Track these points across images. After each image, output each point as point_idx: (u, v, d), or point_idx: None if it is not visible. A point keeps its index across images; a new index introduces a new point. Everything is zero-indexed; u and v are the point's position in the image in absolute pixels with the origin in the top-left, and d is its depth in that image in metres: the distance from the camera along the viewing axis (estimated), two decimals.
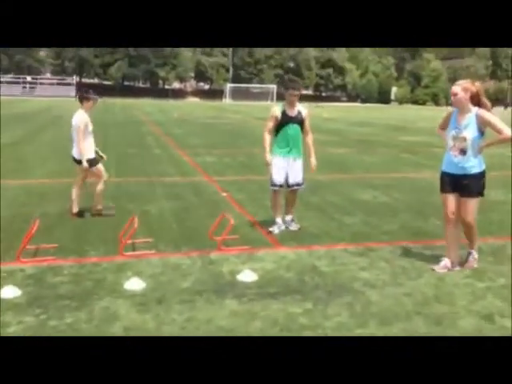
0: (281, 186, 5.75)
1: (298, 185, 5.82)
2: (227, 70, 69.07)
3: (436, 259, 4.79)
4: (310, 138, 5.93)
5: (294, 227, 5.84)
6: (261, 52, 69.86)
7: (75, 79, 60.83)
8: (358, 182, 9.01)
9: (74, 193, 6.21)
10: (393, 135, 19.79)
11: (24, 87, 58.45)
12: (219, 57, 69.05)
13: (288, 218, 5.90)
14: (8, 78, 58.69)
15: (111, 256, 4.76)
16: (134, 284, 4.06)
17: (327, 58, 74.45)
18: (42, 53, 64.61)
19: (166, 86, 71.27)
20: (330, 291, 4.12)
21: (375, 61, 78.01)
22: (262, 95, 63.62)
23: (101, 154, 6.53)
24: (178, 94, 68.73)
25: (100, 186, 6.23)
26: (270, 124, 5.72)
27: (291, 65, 72.55)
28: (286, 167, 5.71)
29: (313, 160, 5.89)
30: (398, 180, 9.45)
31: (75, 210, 6.13)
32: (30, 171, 9.16)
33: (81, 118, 6.14)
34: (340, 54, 75.49)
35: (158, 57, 63.99)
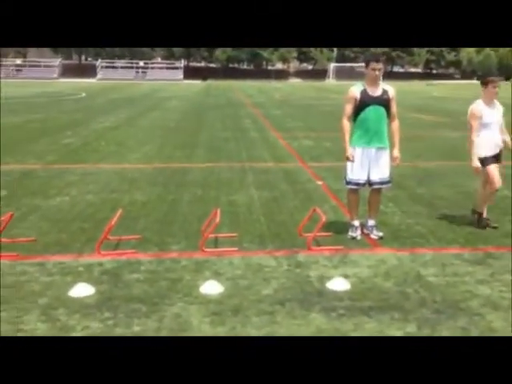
0: (358, 184, 4.79)
1: (382, 183, 4.80)
2: (331, 50, 67.17)
3: None
4: (395, 125, 4.86)
5: (375, 235, 4.81)
6: None
7: (183, 63, 62.98)
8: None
9: (480, 193, 5.29)
10: None
11: (137, 71, 61.78)
12: None
13: (370, 222, 4.89)
14: (123, 62, 62.35)
15: (192, 252, 4.43)
16: (211, 288, 3.67)
17: None
18: None
19: (269, 67, 71.20)
20: (439, 310, 3.40)
21: None
22: None
23: None
24: (281, 75, 68.38)
25: (484, 191, 5.20)
26: (349, 108, 4.72)
27: None
28: (366, 161, 4.71)
29: (396, 153, 4.81)
30: None
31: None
32: (125, 155, 9.24)
33: (474, 107, 5.05)
34: None
35: None
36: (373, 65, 4.62)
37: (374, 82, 4.69)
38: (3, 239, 4.46)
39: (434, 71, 73.91)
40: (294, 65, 75.31)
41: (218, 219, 4.55)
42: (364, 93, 4.68)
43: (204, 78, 58.75)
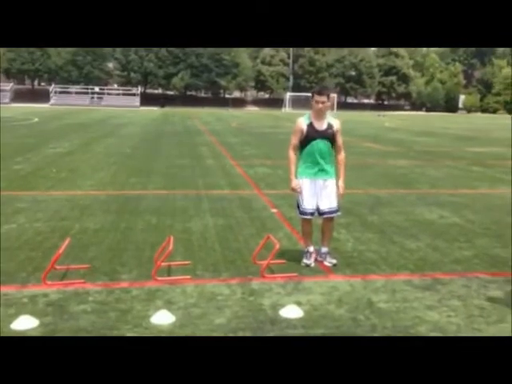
0: (312, 214, 4.85)
1: (331, 212, 4.86)
2: (287, 79, 68.77)
3: None
4: (341, 157, 4.93)
5: (329, 262, 4.86)
6: (322, 60, 69.08)
7: (140, 89, 62.70)
8: (423, 199, 8.18)
9: None
10: (461, 146, 18.49)
11: (92, 97, 60.87)
12: (280, 66, 68.88)
13: (324, 250, 4.94)
14: (78, 88, 61.40)
15: (143, 281, 4.33)
16: (162, 318, 3.59)
17: (390, 66, 72.42)
18: (110, 64, 67.15)
19: (227, 96, 71.98)
20: (389, 336, 3.45)
21: (442, 68, 75.05)
22: None
23: None
24: (238, 103, 69.20)
25: None
26: (295, 139, 4.80)
27: (353, 73, 71.12)
28: (314, 191, 4.79)
29: (341, 184, 4.88)
30: (468, 197, 8.51)
31: None
32: (78, 182, 9.02)
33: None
34: (404, 61, 73.26)
35: (220, 66, 64.82)
36: (316, 97, 4.67)
37: (319, 115, 4.74)
38: None
39: (386, 102, 76.76)
40: (251, 93, 76.46)
41: (171, 247, 4.48)
42: (310, 126, 4.75)
43: (162, 105, 58.64)
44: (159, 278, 4.34)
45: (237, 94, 75.15)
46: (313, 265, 4.84)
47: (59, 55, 61.46)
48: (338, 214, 4.99)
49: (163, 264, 4.50)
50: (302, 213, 4.89)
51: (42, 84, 68.35)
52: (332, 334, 3.44)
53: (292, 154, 4.88)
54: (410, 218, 6.84)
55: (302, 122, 4.80)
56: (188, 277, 4.43)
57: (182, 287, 4.22)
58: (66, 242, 4.65)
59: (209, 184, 9.19)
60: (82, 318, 3.59)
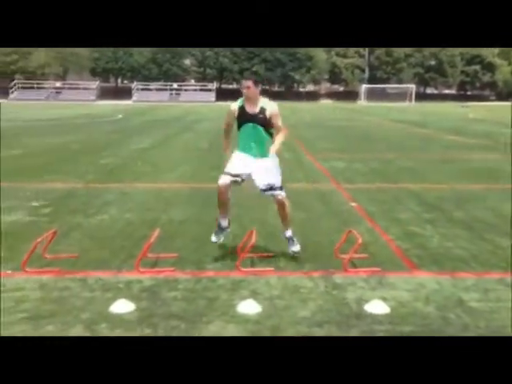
0: (236, 176, 4.67)
1: (272, 188, 4.70)
2: (363, 71, 67.20)
3: None
4: (280, 134, 4.76)
5: (293, 247, 4.79)
6: (400, 51, 66.73)
7: (215, 85, 64.02)
8: None
9: None
10: None
11: (171, 93, 63.01)
12: (355, 58, 67.43)
13: (287, 234, 4.84)
14: (157, 85, 63.80)
15: (228, 271, 4.47)
16: (249, 307, 3.69)
17: (474, 54, 68.52)
18: (187, 61, 69.09)
19: (301, 89, 71.61)
20: (483, 336, 3.31)
21: None
22: (400, 96, 60.73)
23: None
24: (312, 97, 68.64)
25: None
26: (226, 120, 4.90)
27: (432, 63, 68.10)
28: (248, 163, 4.70)
29: (272, 148, 4.67)
30: None
31: None
32: (161, 175, 9.42)
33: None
34: (488, 49, 68.95)
35: (293, 60, 64.62)
36: (243, 82, 4.71)
37: (248, 100, 4.70)
38: (47, 255, 4.61)
39: (469, 93, 72.78)
40: (324, 86, 75.48)
41: (253, 239, 4.58)
42: (241, 109, 4.75)
43: (237, 100, 59.49)
44: (243, 269, 4.45)
45: (310, 87, 74.52)
46: (216, 241, 4.88)
47: (141, 54, 64.12)
48: (283, 194, 4.79)
49: (246, 255, 4.61)
50: (225, 173, 4.73)
51: (125, 82, 71.66)
52: (421, 332, 3.36)
53: (224, 140, 4.97)
54: (500, 215, 6.48)
55: (234, 105, 4.83)
56: (271, 269, 4.51)
57: (266, 279, 4.30)
58: (156, 232, 4.88)
59: (286, 177, 9.18)
60: (174, 304, 3.77)
